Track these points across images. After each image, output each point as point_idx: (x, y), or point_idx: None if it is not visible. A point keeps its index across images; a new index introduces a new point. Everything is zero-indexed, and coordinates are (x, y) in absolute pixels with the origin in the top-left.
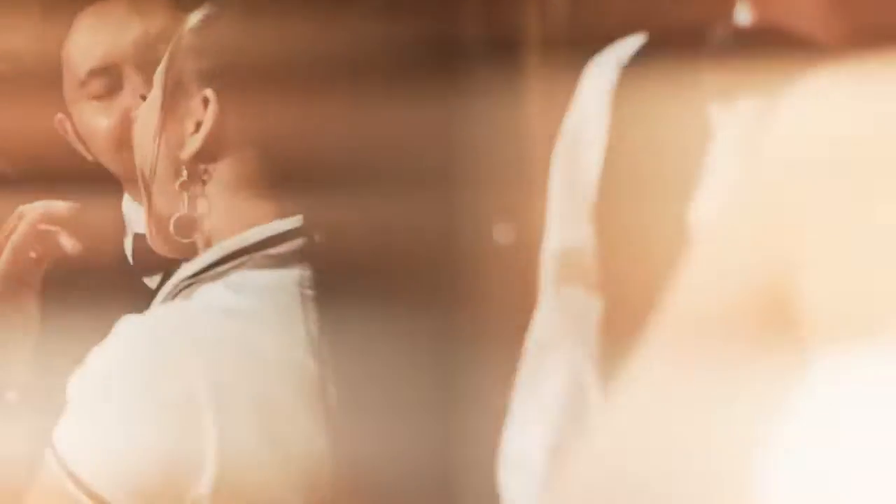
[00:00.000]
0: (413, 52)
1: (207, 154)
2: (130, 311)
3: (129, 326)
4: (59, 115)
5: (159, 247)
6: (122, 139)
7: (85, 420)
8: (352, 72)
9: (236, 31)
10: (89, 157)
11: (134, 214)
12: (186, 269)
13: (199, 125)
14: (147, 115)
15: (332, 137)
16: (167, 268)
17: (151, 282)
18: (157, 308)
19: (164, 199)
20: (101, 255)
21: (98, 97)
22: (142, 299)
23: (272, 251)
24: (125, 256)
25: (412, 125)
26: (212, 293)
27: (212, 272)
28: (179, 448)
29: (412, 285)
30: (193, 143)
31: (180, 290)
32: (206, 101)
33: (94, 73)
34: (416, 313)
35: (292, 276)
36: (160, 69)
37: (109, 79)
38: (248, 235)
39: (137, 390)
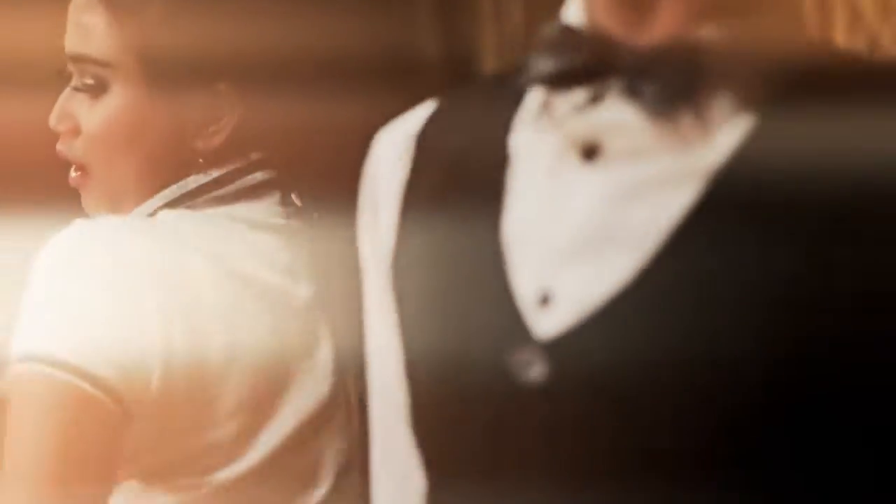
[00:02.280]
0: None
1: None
2: None
3: (84, 226)
4: None
5: None
6: None
7: (47, 312)
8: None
9: None
10: None
11: None
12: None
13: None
14: None
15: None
16: None
17: None
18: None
19: None
20: None
21: None
22: None
23: (216, 193)
24: None
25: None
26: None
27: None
28: (131, 336)
29: None
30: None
31: None
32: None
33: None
34: None
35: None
36: None
37: None
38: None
39: (96, 282)
